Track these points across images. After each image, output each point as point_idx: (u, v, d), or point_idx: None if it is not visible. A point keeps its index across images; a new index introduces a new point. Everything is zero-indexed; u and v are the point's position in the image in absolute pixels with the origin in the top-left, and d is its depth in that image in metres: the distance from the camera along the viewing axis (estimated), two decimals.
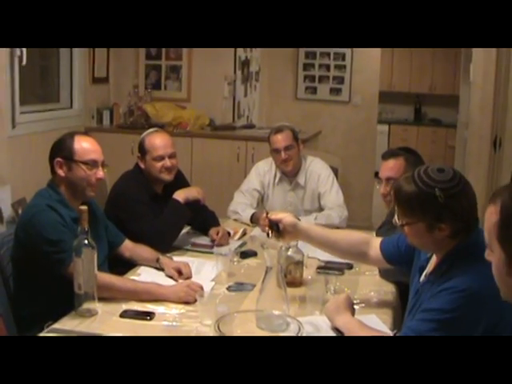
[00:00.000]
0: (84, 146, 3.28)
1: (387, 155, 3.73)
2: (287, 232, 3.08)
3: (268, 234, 3.20)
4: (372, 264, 3.29)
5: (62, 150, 3.26)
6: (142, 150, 4.15)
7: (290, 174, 4.81)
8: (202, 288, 3.14)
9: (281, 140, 4.68)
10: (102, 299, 2.98)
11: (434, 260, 2.58)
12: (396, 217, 2.56)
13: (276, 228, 3.10)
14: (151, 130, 4.33)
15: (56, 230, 3.11)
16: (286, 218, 3.12)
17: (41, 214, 3.14)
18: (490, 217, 1.78)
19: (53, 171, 3.30)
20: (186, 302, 3.07)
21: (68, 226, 3.13)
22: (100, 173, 3.30)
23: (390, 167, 3.65)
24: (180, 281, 3.37)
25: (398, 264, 3.02)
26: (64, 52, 6.81)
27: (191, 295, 3.08)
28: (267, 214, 3.19)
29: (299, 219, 4.36)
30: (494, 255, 1.80)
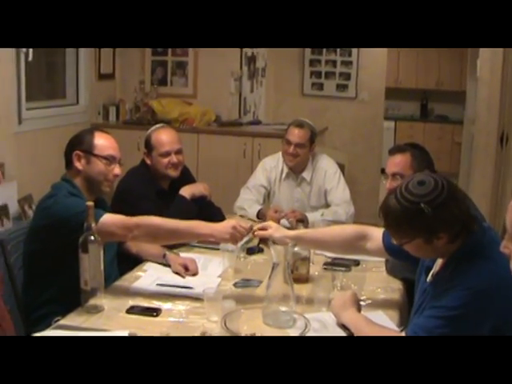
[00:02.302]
0: (104, 141, 3.31)
1: (394, 150, 3.71)
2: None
3: (258, 244, 3.22)
4: (373, 255, 3.27)
5: (81, 144, 3.28)
6: (149, 146, 4.15)
7: (293, 169, 4.80)
8: (250, 228, 3.16)
9: (296, 135, 4.67)
10: (108, 295, 3.00)
11: (439, 260, 2.56)
12: (392, 239, 2.54)
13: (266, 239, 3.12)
14: (157, 125, 4.34)
15: (79, 203, 3.10)
16: (273, 233, 3.12)
17: (62, 199, 3.15)
18: None
19: (68, 165, 3.31)
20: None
21: None
22: (117, 169, 3.32)
23: (397, 163, 3.62)
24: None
25: (400, 258, 2.99)
26: (70, 48, 6.81)
27: (237, 237, 3.09)
28: (253, 230, 3.16)
29: (306, 216, 4.40)
30: None
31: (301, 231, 3.41)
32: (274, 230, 3.14)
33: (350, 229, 3.26)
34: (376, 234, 3.06)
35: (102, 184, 3.31)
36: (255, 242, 3.88)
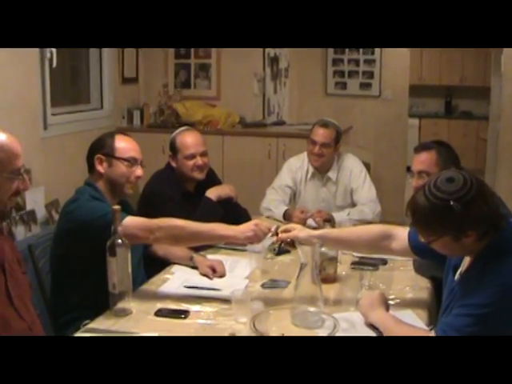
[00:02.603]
0: (124, 144, 3.33)
1: (419, 148, 3.69)
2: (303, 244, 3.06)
3: (280, 245, 3.21)
4: (398, 255, 3.26)
5: (102, 147, 3.31)
6: (174, 148, 4.16)
7: (319, 169, 4.79)
8: (276, 230, 3.14)
9: (321, 135, 4.66)
10: (136, 298, 3.01)
11: (467, 259, 2.53)
12: (419, 236, 2.50)
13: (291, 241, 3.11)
14: (182, 128, 4.35)
15: (101, 206, 3.15)
16: (298, 233, 3.09)
17: (84, 203, 3.18)
18: None
19: (91, 169, 3.34)
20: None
21: None
22: (139, 171, 3.34)
23: (422, 160, 3.61)
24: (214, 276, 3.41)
25: (426, 257, 2.97)
26: (93, 53, 6.86)
27: (259, 235, 3.08)
28: (277, 232, 3.15)
29: (332, 216, 4.39)
30: None
31: (325, 230, 3.39)
32: (298, 230, 3.12)
33: (375, 228, 3.24)
34: (401, 233, 3.03)
35: (125, 186, 3.33)
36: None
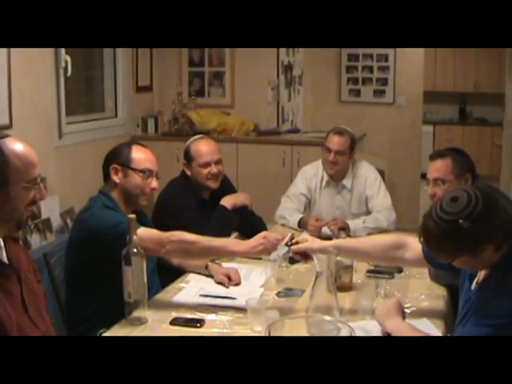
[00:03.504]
0: (141, 155, 3.34)
1: (434, 156, 3.68)
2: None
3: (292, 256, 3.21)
4: (412, 265, 3.28)
5: (118, 157, 3.31)
6: (188, 157, 4.17)
7: (333, 177, 4.77)
8: (292, 238, 3.16)
9: (336, 142, 4.64)
10: (151, 307, 3.01)
11: None
12: (436, 258, 2.48)
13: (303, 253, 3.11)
14: (196, 136, 4.36)
15: (114, 216, 3.16)
16: (312, 245, 3.09)
17: (97, 212, 3.19)
18: None
19: (106, 178, 3.34)
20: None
21: None
22: (154, 183, 3.35)
23: (438, 168, 3.60)
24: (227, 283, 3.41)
25: (441, 267, 2.95)
26: (108, 62, 6.90)
27: (269, 247, 3.08)
28: (291, 243, 3.14)
29: (347, 223, 4.38)
30: None
31: (338, 241, 3.38)
32: (311, 242, 3.13)
33: (389, 238, 3.24)
34: (415, 243, 3.00)
35: (139, 197, 3.33)
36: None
